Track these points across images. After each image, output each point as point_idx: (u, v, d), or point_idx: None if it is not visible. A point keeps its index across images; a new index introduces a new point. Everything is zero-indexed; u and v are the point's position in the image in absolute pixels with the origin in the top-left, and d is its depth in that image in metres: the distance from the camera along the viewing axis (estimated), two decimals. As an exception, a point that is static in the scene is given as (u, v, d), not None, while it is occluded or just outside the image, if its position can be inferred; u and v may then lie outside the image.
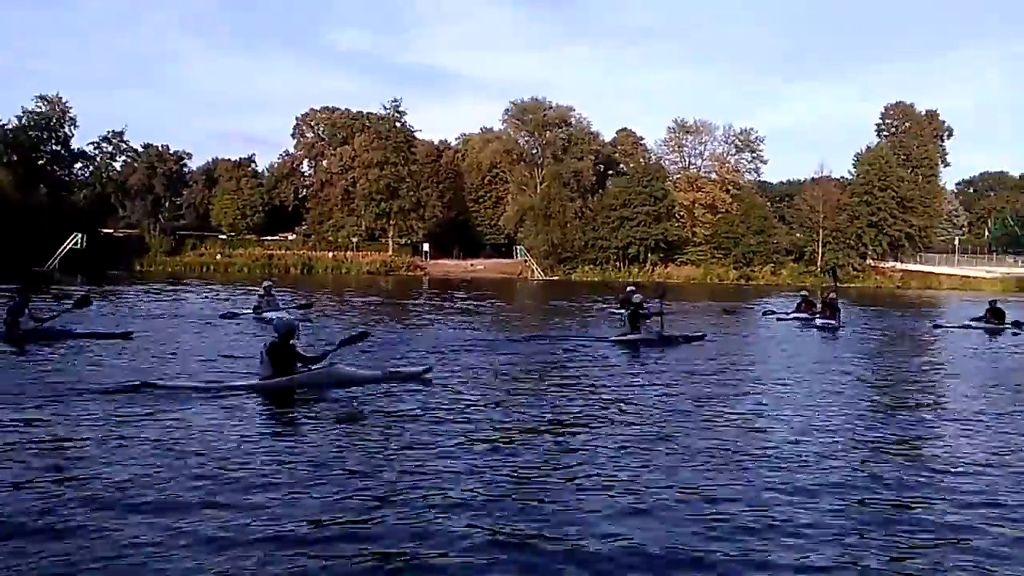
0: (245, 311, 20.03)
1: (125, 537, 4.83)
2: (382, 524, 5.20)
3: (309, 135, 76.92)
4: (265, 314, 19.30)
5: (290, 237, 72.03)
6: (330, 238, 69.14)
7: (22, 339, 13.52)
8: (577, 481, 6.26)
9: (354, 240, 68.47)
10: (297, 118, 77.17)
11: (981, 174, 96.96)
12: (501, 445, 7.36)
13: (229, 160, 77.70)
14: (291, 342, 9.89)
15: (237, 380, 10.03)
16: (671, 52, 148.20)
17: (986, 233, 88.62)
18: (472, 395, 10.01)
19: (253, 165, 79.23)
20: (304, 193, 76.96)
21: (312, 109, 76.85)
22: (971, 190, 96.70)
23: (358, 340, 11.15)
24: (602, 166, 78.00)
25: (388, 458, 6.80)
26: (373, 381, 10.38)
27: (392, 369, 11.11)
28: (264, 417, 8.58)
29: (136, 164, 74.89)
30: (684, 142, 75.03)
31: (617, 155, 79.28)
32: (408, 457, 6.85)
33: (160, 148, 78.54)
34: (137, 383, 9.50)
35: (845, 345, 17.77)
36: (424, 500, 5.66)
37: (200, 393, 9.35)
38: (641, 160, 75.43)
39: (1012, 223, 79.86)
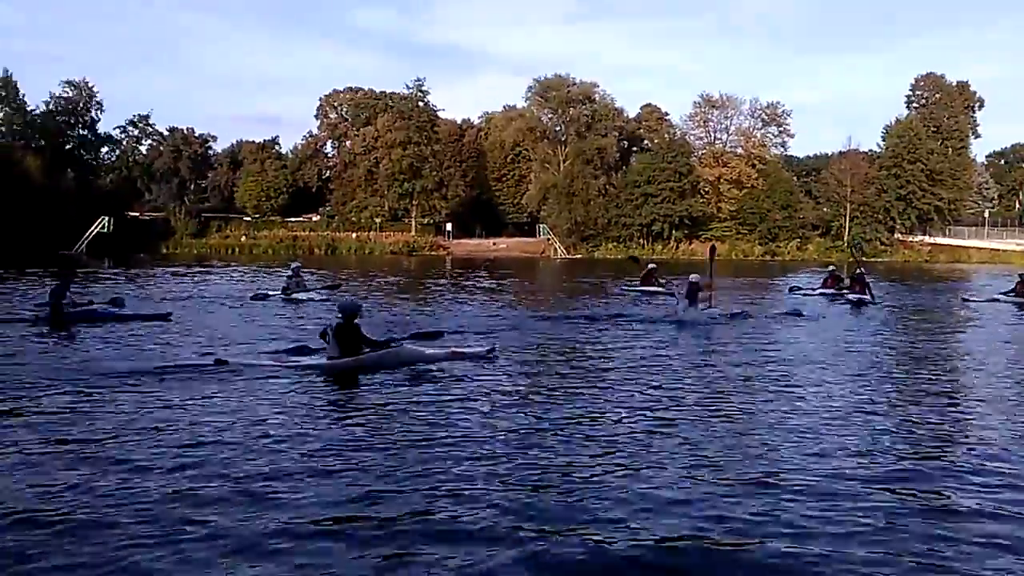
0: (273, 292, 20.48)
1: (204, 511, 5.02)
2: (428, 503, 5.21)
3: (332, 116, 77.31)
4: (294, 295, 19.82)
5: (314, 218, 72.68)
6: (353, 219, 69.71)
7: (67, 322, 13.84)
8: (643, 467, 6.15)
9: (377, 220, 68.97)
10: (321, 99, 77.61)
11: (1013, 145, 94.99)
12: (568, 427, 7.32)
13: (253, 142, 78.38)
14: (355, 322, 10.09)
15: (306, 359, 10.28)
16: (696, 26, 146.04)
17: (1017, 205, 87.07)
18: (534, 376, 10.18)
19: (277, 147, 79.90)
20: (328, 174, 77.48)
21: (335, 90, 77.24)
22: (1002, 162, 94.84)
23: (433, 337, 11.51)
24: (626, 142, 77.58)
25: (443, 439, 6.82)
26: (438, 360, 10.53)
27: (457, 349, 11.22)
28: (330, 396, 8.74)
29: (162, 147, 75.76)
30: (709, 117, 74.41)
31: (641, 131, 78.78)
32: (465, 439, 6.85)
33: (185, 131, 79.29)
34: (214, 360, 9.91)
35: (873, 321, 17.76)
36: (485, 484, 5.62)
37: (271, 371, 9.65)
38: (666, 136, 74.91)
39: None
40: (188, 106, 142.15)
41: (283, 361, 10.23)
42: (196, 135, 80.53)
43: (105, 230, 55.24)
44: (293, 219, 71.75)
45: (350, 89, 76.49)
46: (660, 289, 23.31)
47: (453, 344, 11.67)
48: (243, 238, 63.85)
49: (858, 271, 23.36)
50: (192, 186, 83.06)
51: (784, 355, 12.07)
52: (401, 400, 8.48)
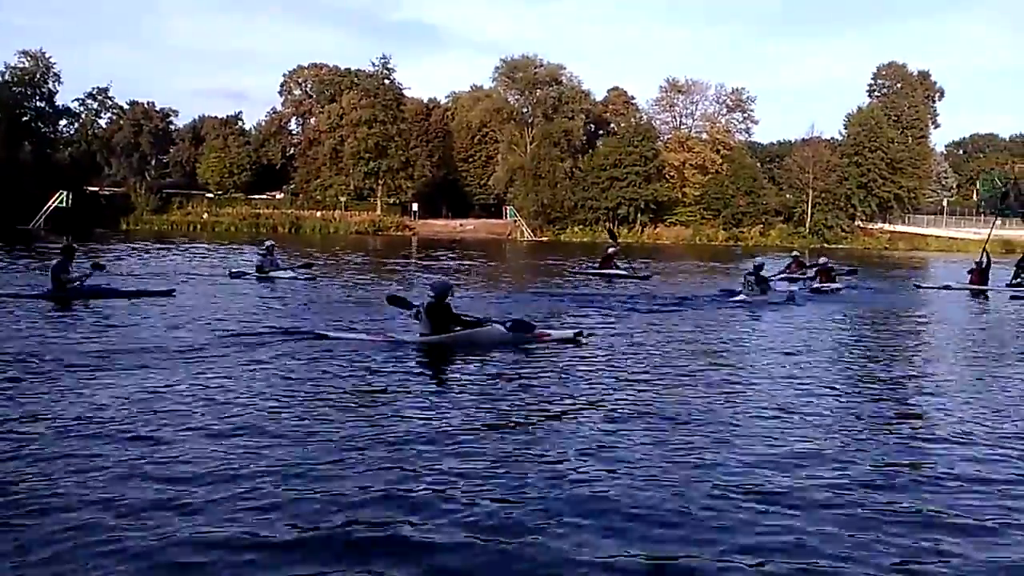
0: (249, 270, 20.99)
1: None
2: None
3: (297, 92, 77.39)
4: (271, 273, 20.64)
5: (277, 196, 72.85)
6: (318, 197, 70.03)
7: (69, 297, 14.05)
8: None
9: (342, 199, 69.38)
10: (285, 75, 77.64)
11: (971, 136, 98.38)
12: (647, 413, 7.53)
13: (216, 118, 78.06)
14: (446, 301, 10.66)
15: (400, 335, 11.02)
16: (664, 10, 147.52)
17: (974, 195, 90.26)
18: (626, 362, 10.35)
19: (240, 123, 79.66)
20: (292, 152, 77.59)
21: (300, 66, 77.33)
22: (961, 152, 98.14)
23: (525, 330, 11.67)
24: (593, 125, 78.71)
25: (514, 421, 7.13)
26: (526, 342, 11.00)
27: (543, 331, 11.55)
28: (420, 371, 9.48)
29: (122, 121, 75.08)
30: (675, 102, 75.85)
31: (608, 114, 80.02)
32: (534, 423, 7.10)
33: (146, 105, 78.72)
34: (311, 332, 11.09)
35: (823, 313, 17.35)
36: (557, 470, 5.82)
37: (365, 345, 10.52)
38: (632, 120, 76.23)
39: (1001, 185, 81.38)
40: (149, 80, 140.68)
41: (379, 336, 11.08)
42: (157, 109, 79.98)
43: (63, 205, 54.95)
44: (256, 196, 71.83)
45: (315, 65, 76.53)
46: (621, 272, 24.33)
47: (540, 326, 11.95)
48: (205, 215, 63.83)
49: (821, 260, 23.65)
50: (153, 161, 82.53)
51: (732, 347, 12.27)
52: (484, 378, 9.02)
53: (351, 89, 69.37)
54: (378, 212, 68.98)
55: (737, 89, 75.48)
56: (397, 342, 10.72)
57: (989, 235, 28.14)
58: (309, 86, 76.74)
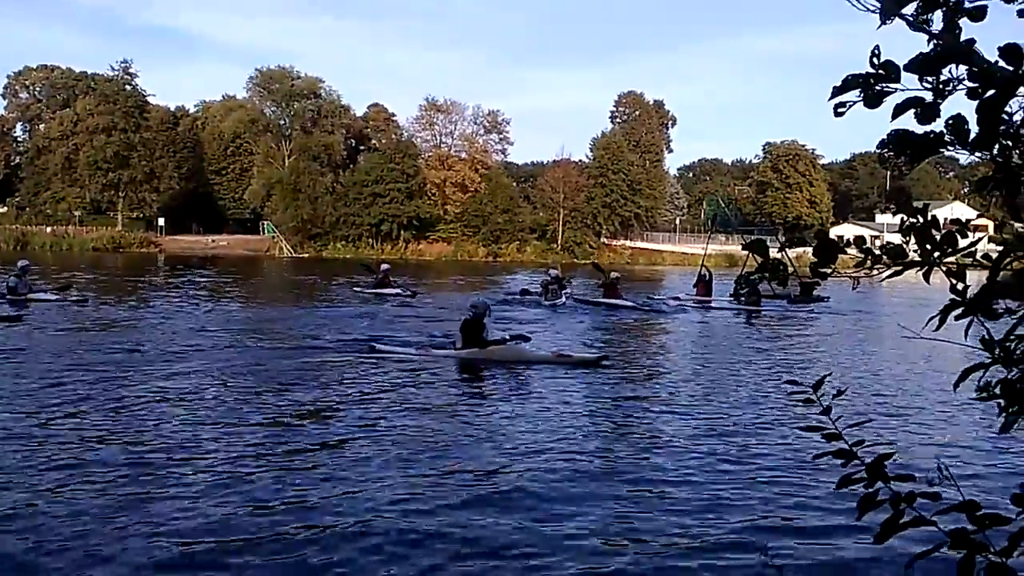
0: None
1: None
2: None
3: (24, 95, 72.90)
4: (31, 295, 20.40)
5: (1, 210, 68.10)
6: (48, 211, 66.73)
7: None
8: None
9: (77, 213, 66.67)
10: (10, 76, 72.98)
11: (699, 160, 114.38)
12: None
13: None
14: (484, 320, 12.46)
15: (439, 350, 13.11)
16: (422, 31, 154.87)
17: (701, 214, 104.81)
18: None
19: (-47, 126, 73.24)
20: (17, 160, 72.83)
21: (28, 67, 73.06)
22: (690, 175, 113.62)
23: (523, 340, 13.16)
24: (353, 141, 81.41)
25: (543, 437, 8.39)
26: (546, 362, 12.43)
27: (563, 352, 13.06)
28: (457, 381, 11.66)
29: None
30: (435, 120, 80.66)
31: (369, 130, 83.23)
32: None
33: None
34: (369, 344, 13.46)
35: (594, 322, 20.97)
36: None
37: (410, 356, 12.70)
38: (393, 136, 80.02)
39: (724, 205, 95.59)
40: None
41: (420, 350, 13.17)
42: None
43: None
44: (-27, 209, 66.74)
45: (45, 67, 72.64)
46: (396, 291, 25.92)
47: (558, 347, 13.68)
48: (-91, 230, 58.60)
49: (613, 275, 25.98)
50: None
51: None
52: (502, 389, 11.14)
53: (87, 94, 67.00)
54: (119, 227, 67.00)
55: (493, 111, 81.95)
56: (436, 355, 12.87)
57: (705, 251, 34.91)
58: (39, 89, 72.64)
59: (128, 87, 67.99)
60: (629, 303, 24.16)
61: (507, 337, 12.65)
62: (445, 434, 8.39)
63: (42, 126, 70.94)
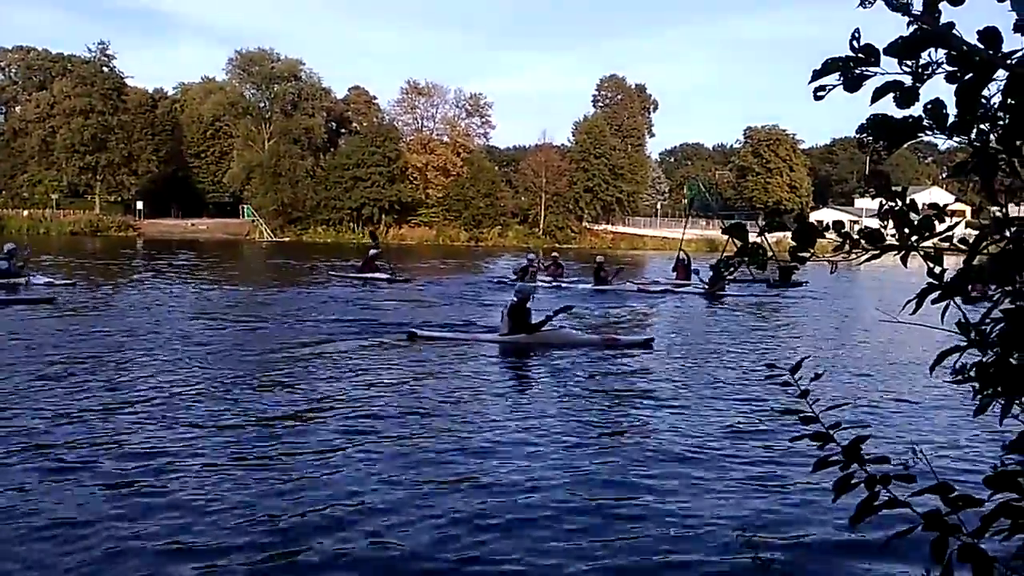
0: None
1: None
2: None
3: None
4: (14, 281, 19.96)
5: (-25, 194, 67.24)
6: (25, 195, 65.94)
7: None
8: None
9: (54, 197, 65.79)
10: (-18, 58, 71.52)
11: (681, 145, 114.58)
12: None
13: None
14: (527, 305, 12.50)
15: (484, 334, 13.18)
16: (404, 11, 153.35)
17: (683, 199, 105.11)
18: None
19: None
20: (-9, 143, 71.67)
21: (3, 48, 71.69)
22: (672, 159, 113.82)
23: (567, 310, 13.49)
24: (334, 124, 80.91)
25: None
26: (592, 344, 12.69)
27: (611, 336, 13.28)
28: (502, 367, 11.66)
29: None
30: (416, 104, 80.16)
31: (350, 114, 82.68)
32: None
33: None
34: (410, 331, 13.23)
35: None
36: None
37: (457, 343, 12.72)
38: (374, 120, 79.54)
39: (704, 190, 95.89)
40: None
41: (464, 334, 13.29)
42: None
43: None
44: (-53, 193, 65.78)
45: (20, 48, 71.51)
46: (382, 275, 25.88)
47: (610, 331, 13.90)
48: None
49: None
50: None
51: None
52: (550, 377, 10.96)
53: (64, 76, 66.07)
54: (97, 211, 66.29)
55: (475, 94, 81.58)
56: (481, 340, 12.99)
57: (683, 235, 35.20)
58: (14, 71, 71.53)
59: (105, 69, 67.14)
60: (613, 287, 24.44)
61: (551, 314, 12.67)
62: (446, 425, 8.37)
63: (18, 108, 69.84)
